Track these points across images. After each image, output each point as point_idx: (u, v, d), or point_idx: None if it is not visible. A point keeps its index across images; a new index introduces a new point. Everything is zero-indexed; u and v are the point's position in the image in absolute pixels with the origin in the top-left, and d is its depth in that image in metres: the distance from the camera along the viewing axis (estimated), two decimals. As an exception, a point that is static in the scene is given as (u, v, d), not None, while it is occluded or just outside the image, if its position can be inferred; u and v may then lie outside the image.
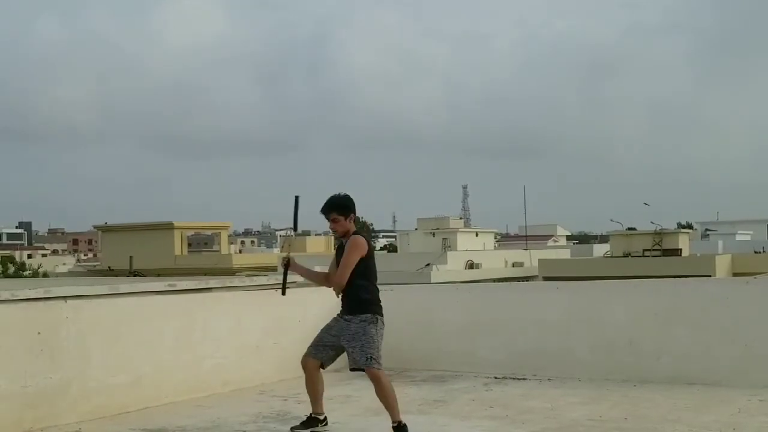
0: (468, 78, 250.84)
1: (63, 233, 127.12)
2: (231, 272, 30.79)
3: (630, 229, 40.62)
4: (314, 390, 6.32)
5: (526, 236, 50.08)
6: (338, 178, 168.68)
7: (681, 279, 10.67)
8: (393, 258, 35.62)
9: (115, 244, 38.55)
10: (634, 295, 9.00)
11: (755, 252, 37.30)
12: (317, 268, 7.21)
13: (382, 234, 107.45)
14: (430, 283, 21.37)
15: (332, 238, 33.99)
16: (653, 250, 34.16)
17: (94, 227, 49.33)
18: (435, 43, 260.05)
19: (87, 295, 7.51)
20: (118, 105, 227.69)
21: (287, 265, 6.40)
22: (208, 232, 41.72)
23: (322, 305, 7.49)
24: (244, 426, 6.67)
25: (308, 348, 6.33)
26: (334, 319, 6.34)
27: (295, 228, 6.46)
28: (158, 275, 23.07)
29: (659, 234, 35.45)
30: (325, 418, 6.38)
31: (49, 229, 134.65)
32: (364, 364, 6.05)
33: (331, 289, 6.30)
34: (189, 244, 39.72)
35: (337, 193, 6.26)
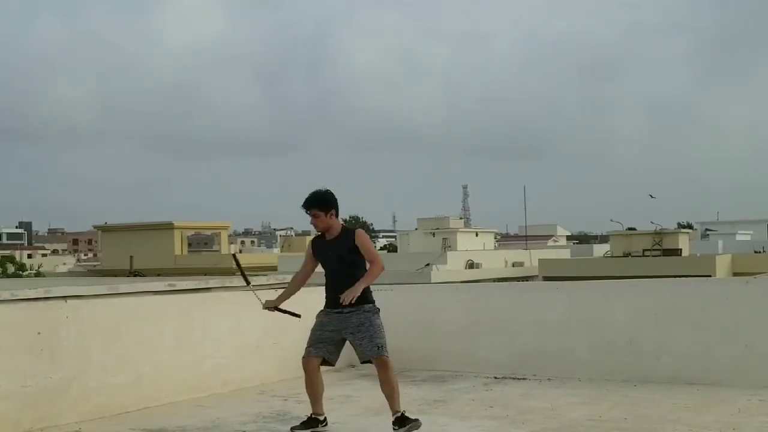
0: (468, 78, 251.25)
1: (63, 233, 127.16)
2: (231, 272, 30.73)
3: (630, 229, 40.71)
4: (314, 390, 6.30)
5: (526, 236, 50.11)
6: (338, 178, 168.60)
7: (681, 279, 10.65)
8: (393, 258, 35.48)
9: (115, 244, 38.64)
10: (634, 295, 8.99)
11: (755, 252, 37.34)
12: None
13: (382, 234, 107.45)
14: (430, 283, 21.36)
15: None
16: (653, 250, 34.20)
17: (94, 227, 49.46)
18: (435, 43, 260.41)
19: (87, 295, 7.52)
20: (118, 105, 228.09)
21: (276, 309, 6.56)
22: (208, 232, 41.68)
23: (322, 305, 7.47)
24: (244, 426, 6.66)
25: (306, 349, 6.29)
26: (323, 314, 6.31)
27: (247, 282, 6.74)
28: (158, 275, 23.11)
29: (659, 234, 35.52)
30: (325, 418, 6.37)
31: (49, 229, 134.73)
32: (376, 353, 6.08)
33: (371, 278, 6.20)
34: (189, 244, 39.75)
35: (319, 188, 6.26)
